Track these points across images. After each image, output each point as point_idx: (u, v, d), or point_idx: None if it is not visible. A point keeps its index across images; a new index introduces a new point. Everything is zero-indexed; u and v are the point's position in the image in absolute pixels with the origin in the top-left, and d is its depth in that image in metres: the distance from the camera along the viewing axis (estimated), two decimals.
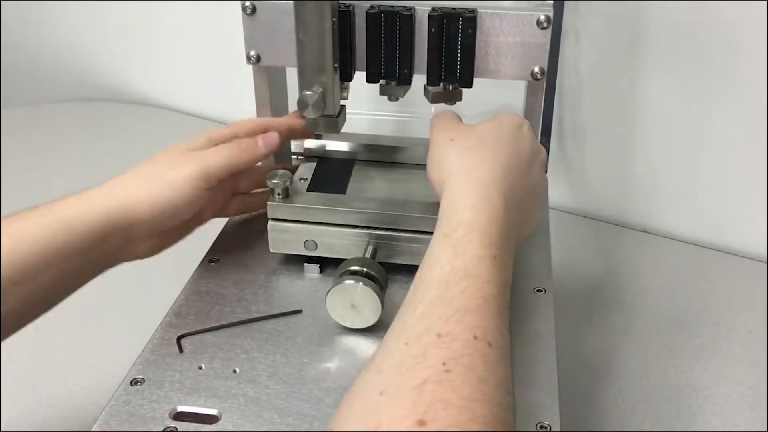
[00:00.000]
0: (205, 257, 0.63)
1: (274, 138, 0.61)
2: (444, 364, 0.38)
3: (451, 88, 0.63)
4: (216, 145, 0.59)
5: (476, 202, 0.48)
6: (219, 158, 0.58)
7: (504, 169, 0.51)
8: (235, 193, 0.64)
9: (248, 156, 0.60)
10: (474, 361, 0.39)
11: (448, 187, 0.51)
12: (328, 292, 0.54)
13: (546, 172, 0.58)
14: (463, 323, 0.41)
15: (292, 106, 0.64)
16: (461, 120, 0.58)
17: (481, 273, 0.44)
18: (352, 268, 0.56)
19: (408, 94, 0.65)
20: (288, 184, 0.60)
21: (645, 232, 1.00)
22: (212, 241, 0.65)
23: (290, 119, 0.64)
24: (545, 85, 0.64)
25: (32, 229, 0.51)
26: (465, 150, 0.53)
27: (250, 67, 0.65)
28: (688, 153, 0.94)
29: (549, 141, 0.77)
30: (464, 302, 0.42)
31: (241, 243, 0.65)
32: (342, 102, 0.62)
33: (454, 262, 0.45)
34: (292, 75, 0.62)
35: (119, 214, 0.54)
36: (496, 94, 0.90)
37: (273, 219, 0.61)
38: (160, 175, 0.56)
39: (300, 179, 0.66)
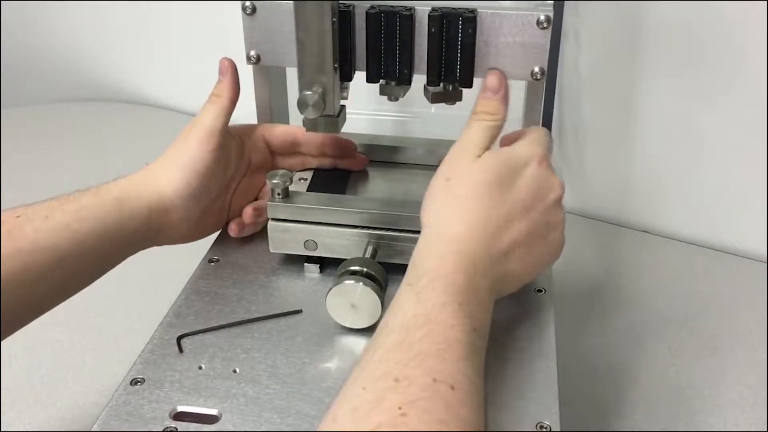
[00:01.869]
0: (205, 257, 0.64)
1: (224, 63, 0.62)
2: (400, 408, 0.37)
3: (451, 88, 0.63)
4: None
5: (444, 254, 0.48)
6: (210, 113, 0.61)
7: (487, 221, 0.50)
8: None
9: (223, 91, 0.61)
10: (433, 404, 0.38)
11: (422, 236, 0.51)
12: (328, 292, 0.54)
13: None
14: (422, 367, 0.40)
15: (292, 106, 0.64)
16: (532, 132, 0.57)
17: (445, 318, 0.43)
18: (352, 268, 0.56)
19: (408, 94, 0.65)
20: (288, 184, 0.60)
21: (645, 232, 1.00)
22: (212, 241, 0.65)
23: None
24: (545, 85, 0.64)
25: (90, 206, 0.55)
26: (452, 198, 0.51)
27: (250, 67, 0.65)
28: (688, 153, 0.94)
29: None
30: (425, 347, 0.41)
31: (241, 243, 0.65)
32: (342, 102, 0.62)
33: (417, 309, 0.44)
34: (292, 75, 0.62)
35: (156, 202, 0.58)
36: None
37: (273, 219, 0.61)
38: (178, 155, 0.60)
39: (300, 179, 0.66)
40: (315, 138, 0.66)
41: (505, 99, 0.56)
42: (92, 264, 0.55)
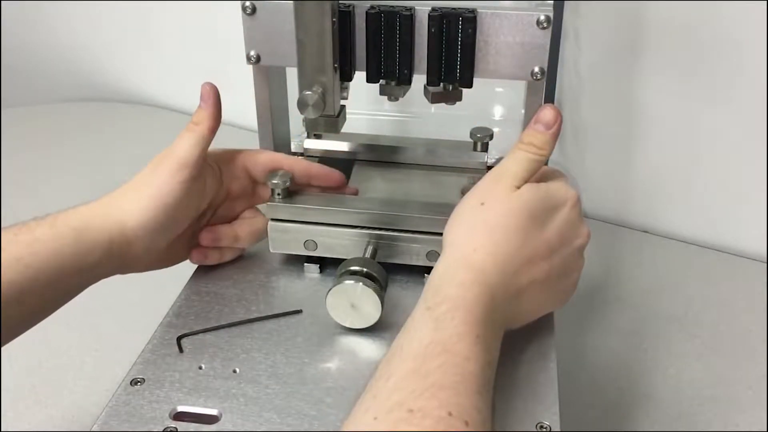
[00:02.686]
0: None
1: (205, 88, 0.59)
2: None
3: (451, 88, 0.63)
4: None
5: (467, 282, 0.47)
6: (186, 142, 0.57)
7: (513, 257, 0.49)
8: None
9: (203, 119, 0.58)
10: None
11: (445, 256, 0.50)
12: (328, 292, 0.54)
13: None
14: (436, 399, 0.39)
15: (292, 106, 0.64)
16: (563, 176, 0.56)
17: (461, 350, 0.43)
18: (352, 268, 0.56)
19: (408, 94, 0.65)
20: (288, 184, 0.60)
21: (645, 232, 1.00)
22: None
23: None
24: (545, 85, 0.64)
25: (45, 238, 0.51)
26: (482, 224, 0.50)
27: (250, 67, 0.65)
28: (688, 153, 0.94)
29: None
30: (440, 378, 0.41)
31: None
32: (342, 102, 0.62)
33: (434, 336, 0.43)
34: (292, 75, 0.62)
35: (117, 233, 0.54)
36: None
37: (273, 219, 0.61)
38: (145, 184, 0.56)
39: None
40: (300, 167, 0.63)
41: (556, 136, 0.53)
42: (52, 296, 0.52)
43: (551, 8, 0.60)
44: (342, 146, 0.71)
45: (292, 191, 0.61)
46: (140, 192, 0.56)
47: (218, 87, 0.60)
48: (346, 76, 0.62)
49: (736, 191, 0.94)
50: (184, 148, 0.57)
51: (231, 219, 0.63)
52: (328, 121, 0.60)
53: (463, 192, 0.59)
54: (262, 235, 0.62)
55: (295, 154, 0.72)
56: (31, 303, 0.51)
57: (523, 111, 0.68)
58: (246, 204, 0.64)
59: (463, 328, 0.44)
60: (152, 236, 0.56)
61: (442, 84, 0.62)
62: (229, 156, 0.62)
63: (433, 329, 0.44)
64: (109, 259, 0.54)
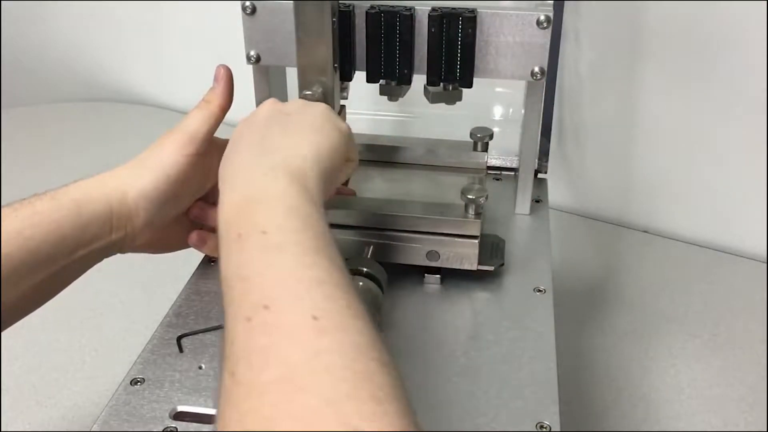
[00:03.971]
0: (205, 257, 0.63)
1: (219, 70, 0.59)
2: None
3: (451, 88, 0.63)
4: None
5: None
6: (195, 118, 0.57)
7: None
8: None
9: (214, 98, 0.58)
10: None
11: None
12: None
13: None
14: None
15: None
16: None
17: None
18: (352, 268, 0.55)
19: (408, 94, 0.65)
20: None
21: (645, 232, 1.00)
22: None
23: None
24: (545, 85, 0.64)
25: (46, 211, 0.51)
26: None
27: (250, 67, 0.65)
28: (688, 153, 0.94)
29: (549, 141, 0.77)
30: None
31: None
32: (342, 102, 0.62)
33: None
34: (292, 75, 0.62)
35: (118, 203, 0.54)
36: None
37: None
38: (149, 157, 0.56)
39: None
40: None
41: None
42: (50, 275, 0.51)
43: (551, 8, 0.60)
44: None
45: None
46: (144, 163, 0.55)
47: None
48: (346, 76, 0.62)
49: (736, 191, 0.94)
50: (193, 123, 0.57)
51: None
52: None
53: (463, 192, 0.59)
54: None
55: None
56: (29, 280, 0.50)
57: (523, 111, 0.68)
58: None
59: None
60: (153, 208, 0.55)
61: (442, 84, 0.62)
62: None
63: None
64: (109, 232, 0.53)
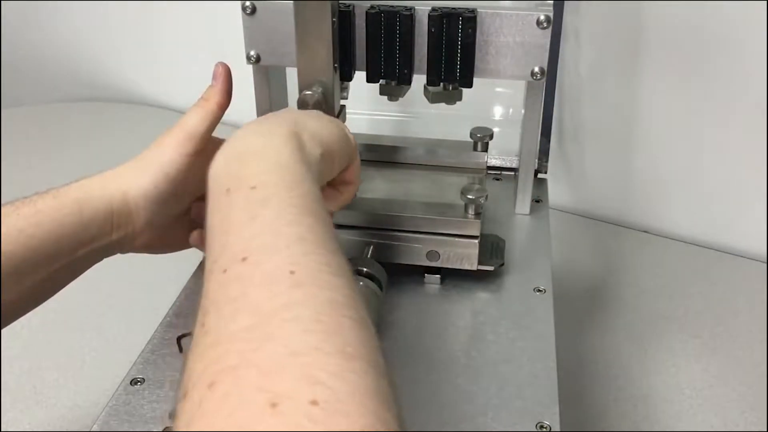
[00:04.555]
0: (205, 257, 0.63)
1: (218, 68, 0.59)
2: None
3: (451, 88, 0.63)
4: None
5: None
6: (194, 116, 0.57)
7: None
8: None
9: (212, 95, 0.58)
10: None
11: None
12: None
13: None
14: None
15: (293, 106, 0.64)
16: None
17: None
18: (352, 268, 0.55)
19: (408, 94, 0.65)
20: None
21: (645, 232, 1.00)
22: None
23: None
24: (545, 85, 0.64)
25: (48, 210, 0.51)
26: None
27: (250, 67, 0.65)
28: (688, 153, 0.94)
29: (549, 141, 0.77)
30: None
31: None
32: (342, 102, 0.62)
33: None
34: (292, 75, 0.62)
35: (118, 202, 0.54)
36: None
37: None
38: (149, 156, 0.56)
39: None
40: None
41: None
42: (51, 273, 0.51)
43: (551, 8, 0.60)
44: None
45: None
46: (144, 162, 0.56)
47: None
48: (346, 76, 0.62)
49: (736, 191, 0.94)
50: (191, 121, 0.57)
51: None
52: None
53: (463, 192, 0.59)
54: None
55: None
56: (30, 278, 0.50)
57: (523, 111, 0.68)
58: None
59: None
60: (153, 207, 0.55)
61: (442, 84, 0.62)
62: None
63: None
64: (110, 231, 0.54)
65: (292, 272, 0.34)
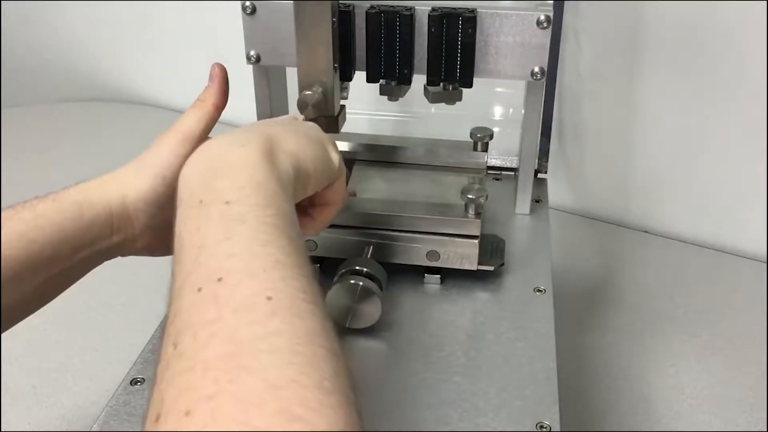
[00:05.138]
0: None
1: (214, 69, 0.59)
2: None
3: (451, 88, 0.63)
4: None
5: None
6: (190, 117, 0.57)
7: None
8: None
9: (209, 96, 0.58)
10: None
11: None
12: (327, 292, 0.54)
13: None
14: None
15: (292, 106, 0.64)
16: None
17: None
18: (352, 268, 0.56)
19: (408, 94, 0.65)
20: None
21: (645, 232, 1.00)
22: None
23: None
24: (545, 85, 0.64)
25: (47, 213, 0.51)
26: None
27: (250, 67, 0.65)
28: (687, 153, 0.94)
29: (549, 141, 0.77)
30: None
31: None
32: (342, 102, 0.62)
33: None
34: (292, 75, 0.62)
35: (117, 206, 0.54)
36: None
37: None
38: (147, 159, 0.56)
39: None
40: None
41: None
42: (51, 277, 0.51)
43: (551, 8, 0.60)
44: (342, 146, 0.71)
45: None
46: (141, 165, 0.55)
47: None
48: (346, 76, 0.62)
49: (736, 191, 0.94)
50: (187, 122, 0.57)
51: None
52: (328, 121, 0.60)
53: (463, 192, 0.59)
54: None
55: None
56: (31, 282, 0.50)
57: (523, 111, 0.68)
58: None
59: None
60: (152, 210, 0.55)
61: (442, 84, 0.62)
62: None
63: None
64: (110, 235, 0.53)
65: (269, 298, 0.34)
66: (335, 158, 0.52)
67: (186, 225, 0.40)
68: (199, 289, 0.35)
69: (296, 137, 0.49)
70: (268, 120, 0.53)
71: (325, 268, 0.62)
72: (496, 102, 0.95)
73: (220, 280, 0.35)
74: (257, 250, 0.37)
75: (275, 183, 0.42)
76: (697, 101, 0.91)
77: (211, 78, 0.59)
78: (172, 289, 0.36)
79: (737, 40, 0.85)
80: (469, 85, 0.62)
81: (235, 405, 0.29)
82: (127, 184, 0.55)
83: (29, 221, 0.50)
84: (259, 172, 0.42)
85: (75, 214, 0.52)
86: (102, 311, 0.83)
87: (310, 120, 0.59)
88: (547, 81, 0.63)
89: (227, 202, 0.39)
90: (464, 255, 0.60)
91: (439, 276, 0.61)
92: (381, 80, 0.62)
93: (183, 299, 0.35)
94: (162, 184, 0.55)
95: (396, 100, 0.64)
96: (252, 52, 0.64)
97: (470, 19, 0.59)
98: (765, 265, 0.92)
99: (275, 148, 0.45)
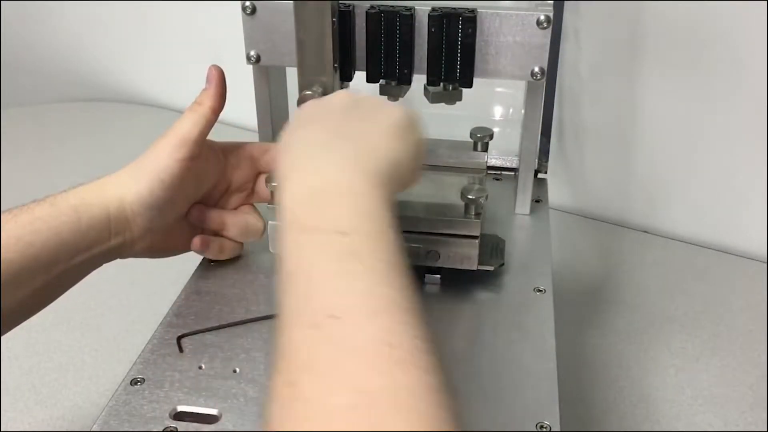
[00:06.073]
0: (204, 257, 0.63)
1: (211, 71, 0.59)
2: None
3: (451, 88, 0.63)
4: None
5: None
6: (187, 120, 0.57)
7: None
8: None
9: (206, 99, 0.58)
10: None
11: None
12: None
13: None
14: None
15: (292, 106, 0.64)
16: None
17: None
18: None
19: (408, 94, 0.65)
20: None
21: (645, 232, 1.00)
22: None
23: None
24: (545, 85, 0.64)
25: (45, 217, 0.51)
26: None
27: (250, 67, 0.65)
28: (688, 153, 0.94)
29: (549, 141, 0.77)
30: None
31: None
32: None
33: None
34: (292, 75, 0.62)
35: (115, 209, 0.54)
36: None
37: (273, 219, 0.61)
38: (144, 162, 0.56)
39: None
40: None
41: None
42: (50, 280, 0.51)
43: (551, 8, 0.60)
44: None
45: None
46: (139, 168, 0.56)
47: None
48: (346, 76, 0.62)
49: (736, 191, 0.94)
50: (185, 125, 0.57)
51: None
52: None
53: (464, 192, 0.59)
54: (252, 231, 0.62)
55: None
56: (29, 286, 0.50)
57: (523, 111, 0.68)
58: (243, 200, 0.63)
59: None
60: (150, 213, 0.55)
61: (442, 84, 0.62)
62: (236, 146, 0.62)
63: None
64: (108, 238, 0.54)
65: (391, 345, 0.32)
66: (422, 137, 0.48)
67: (292, 252, 0.39)
68: (315, 326, 0.33)
69: (393, 141, 0.46)
70: (356, 98, 0.48)
71: None
72: (496, 102, 0.94)
73: (336, 318, 0.33)
74: (373, 289, 0.35)
75: (383, 208, 0.40)
76: (697, 101, 0.91)
77: (208, 80, 0.59)
78: (281, 319, 0.35)
79: (737, 40, 0.85)
80: (469, 85, 0.62)
81: None
82: (125, 188, 0.55)
83: (27, 225, 0.50)
84: (365, 198, 0.40)
85: (73, 218, 0.52)
86: (102, 311, 0.83)
87: None
88: (547, 81, 0.63)
89: (342, 233, 0.38)
90: (464, 255, 0.60)
91: (439, 276, 0.61)
92: (381, 80, 0.62)
93: (296, 334, 0.34)
94: (160, 187, 0.55)
95: (396, 100, 0.64)
96: (252, 52, 0.64)
97: (470, 19, 0.59)
98: (765, 265, 0.92)
99: (377, 166, 0.43)
